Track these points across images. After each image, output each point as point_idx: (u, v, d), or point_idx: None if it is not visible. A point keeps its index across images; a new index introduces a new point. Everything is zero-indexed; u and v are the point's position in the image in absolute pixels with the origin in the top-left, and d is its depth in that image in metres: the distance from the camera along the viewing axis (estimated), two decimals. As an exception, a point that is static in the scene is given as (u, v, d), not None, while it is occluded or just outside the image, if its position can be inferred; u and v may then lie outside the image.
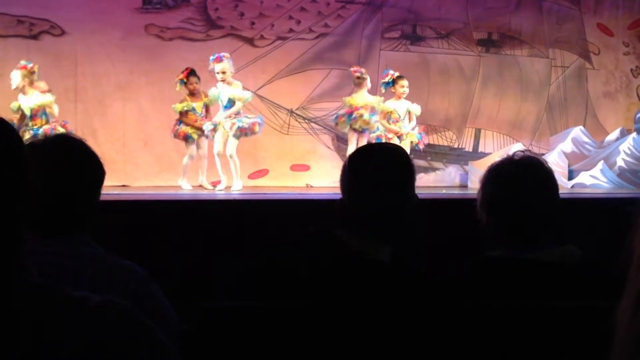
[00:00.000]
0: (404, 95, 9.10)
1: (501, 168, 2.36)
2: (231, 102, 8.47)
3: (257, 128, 8.45)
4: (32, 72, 8.40)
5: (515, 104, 11.39)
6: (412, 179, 2.33)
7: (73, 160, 2.11)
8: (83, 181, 2.12)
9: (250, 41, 10.65)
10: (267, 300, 2.13)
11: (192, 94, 8.90)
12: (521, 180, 2.31)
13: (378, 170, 2.26)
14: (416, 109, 9.13)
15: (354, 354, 2.02)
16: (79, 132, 9.37)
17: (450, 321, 2.06)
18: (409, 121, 9.11)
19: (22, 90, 8.34)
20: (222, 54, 8.62)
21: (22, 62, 8.44)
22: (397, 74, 9.20)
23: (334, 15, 10.96)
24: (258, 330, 2.05)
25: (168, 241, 4.91)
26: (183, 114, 8.83)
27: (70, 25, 9.98)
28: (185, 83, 8.88)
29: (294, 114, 10.40)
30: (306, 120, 10.57)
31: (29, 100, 8.30)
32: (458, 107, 11.19)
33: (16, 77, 8.34)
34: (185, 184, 8.71)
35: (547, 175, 2.34)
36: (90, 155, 2.15)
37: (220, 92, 8.50)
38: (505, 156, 2.44)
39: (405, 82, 9.11)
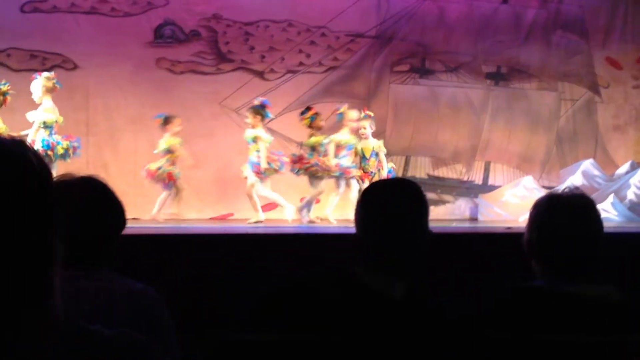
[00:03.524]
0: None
1: (550, 204, 2.39)
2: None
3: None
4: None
5: (525, 137, 11.40)
6: (426, 213, 2.34)
7: (97, 203, 2.20)
8: (106, 223, 2.21)
9: (260, 74, 10.72)
10: (281, 335, 2.13)
11: (319, 129, 9.04)
12: (571, 216, 2.34)
13: (392, 204, 2.27)
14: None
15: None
16: (91, 165, 9.46)
17: (470, 356, 2.06)
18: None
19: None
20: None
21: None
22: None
23: (343, 49, 11.03)
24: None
25: (179, 275, 4.91)
26: (313, 149, 9.00)
27: (82, 59, 10.07)
28: (315, 119, 8.97)
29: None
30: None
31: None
32: (467, 140, 11.21)
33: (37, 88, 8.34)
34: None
35: (594, 212, 2.38)
36: (113, 201, 2.24)
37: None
38: (552, 192, 2.48)
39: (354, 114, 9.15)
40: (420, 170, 10.56)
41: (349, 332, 2.12)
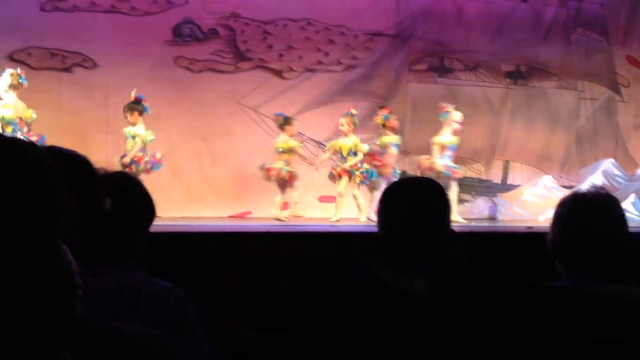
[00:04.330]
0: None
1: (574, 203, 2.37)
2: None
3: None
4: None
5: (544, 136, 11.34)
6: (447, 212, 2.34)
7: (128, 198, 2.19)
8: (135, 218, 2.20)
9: (278, 73, 10.72)
10: (302, 333, 2.13)
11: (393, 128, 9.07)
12: (595, 216, 2.32)
13: (414, 203, 2.26)
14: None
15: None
16: (110, 164, 9.47)
17: (492, 355, 2.04)
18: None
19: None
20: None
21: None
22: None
23: (361, 48, 11.01)
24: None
25: (198, 272, 4.93)
26: (386, 147, 9.06)
27: (101, 57, 10.10)
28: (388, 118, 8.99)
29: (322, 146, 10.42)
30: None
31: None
32: (486, 139, 11.16)
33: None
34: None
35: (619, 212, 2.37)
36: (143, 196, 2.24)
37: None
38: (576, 191, 2.46)
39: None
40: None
41: (371, 330, 2.11)
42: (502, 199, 10.47)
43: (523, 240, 5.77)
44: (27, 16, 9.89)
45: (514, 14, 11.38)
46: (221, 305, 4.68)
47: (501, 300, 2.31)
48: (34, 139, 8.07)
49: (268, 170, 8.94)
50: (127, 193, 2.23)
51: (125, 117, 8.82)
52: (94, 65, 10.13)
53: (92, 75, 10.06)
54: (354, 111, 9.22)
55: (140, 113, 8.83)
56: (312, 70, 10.77)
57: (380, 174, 8.98)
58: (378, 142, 9.25)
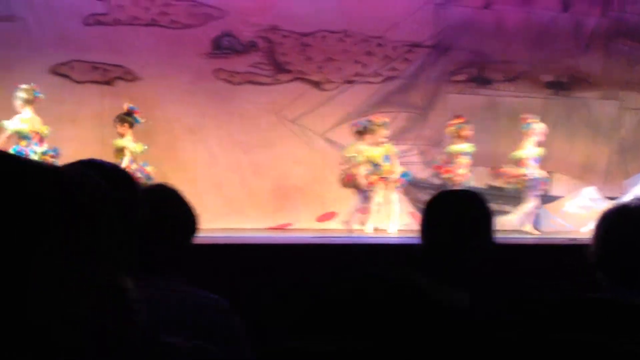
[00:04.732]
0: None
1: (618, 215, 2.35)
2: None
3: None
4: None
5: (586, 146, 11.22)
6: (490, 225, 2.32)
7: (171, 210, 2.20)
8: (178, 230, 2.21)
9: (317, 85, 10.74)
10: (340, 343, 2.13)
11: (466, 138, 9.14)
12: (638, 228, 2.29)
13: (457, 215, 2.25)
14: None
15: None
16: (150, 175, 9.55)
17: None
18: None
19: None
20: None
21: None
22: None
23: (400, 59, 10.99)
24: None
25: (239, 284, 4.94)
26: (455, 156, 9.11)
27: (142, 70, 10.21)
28: (461, 128, 9.09)
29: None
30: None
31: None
32: (527, 150, 11.06)
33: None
34: None
35: None
36: (185, 208, 2.25)
37: None
38: (620, 203, 2.44)
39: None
40: (479, 180, 10.43)
41: (409, 341, 2.10)
42: (544, 210, 10.36)
43: (565, 252, 5.70)
44: (69, 30, 10.04)
45: (555, 24, 11.29)
46: (263, 316, 4.68)
47: (545, 312, 2.28)
48: (45, 148, 8.42)
49: (348, 175, 8.97)
50: (169, 205, 2.24)
51: (115, 128, 8.83)
52: (135, 78, 10.24)
53: (132, 88, 10.17)
54: (385, 120, 9.22)
55: (131, 125, 8.84)
56: (350, 82, 10.78)
57: (453, 184, 8.96)
58: (447, 151, 9.24)
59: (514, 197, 10.03)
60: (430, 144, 10.67)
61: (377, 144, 9.03)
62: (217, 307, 2.22)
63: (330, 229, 9.69)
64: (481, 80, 11.23)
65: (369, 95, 10.80)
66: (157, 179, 9.43)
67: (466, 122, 9.25)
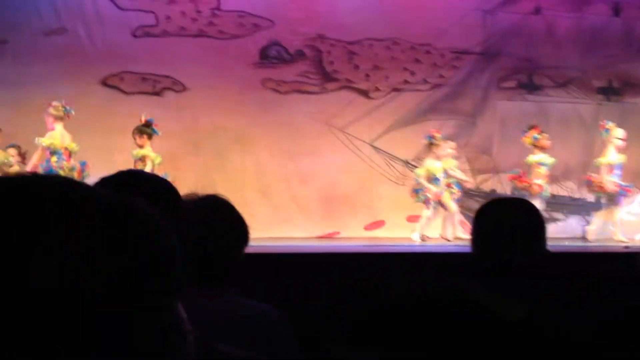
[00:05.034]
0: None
1: None
2: None
3: None
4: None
5: (639, 153, 11.01)
6: (543, 232, 2.28)
7: (222, 220, 2.22)
8: (229, 240, 2.21)
9: (365, 93, 10.72)
10: (391, 353, 2.09)
11: (544, 148, 9.12)
12: None
13: (510, 223, 2.21)
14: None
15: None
16: (199, 185, 9.65)
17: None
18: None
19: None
20: None
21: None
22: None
23: (448, 66, 10.92)
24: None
25: (289, 293, 4.93)
26: (533, 166, 9.11)
27: (190, 81, 10.29)
28: (538, 138, 9.08)
29: (410, 165, 10.35)
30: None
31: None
32: (578, 156, 10.90)
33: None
34: None
35: None
36: (236, 219, 2.27)
37: None
38: None
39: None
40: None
41: (463, 351, 2.05)
42: (598, 218, 10.18)
43: (619, 260, 5.59)
44: (119, 42, 10.17)
45: (606, 28, 11.12)
46: (313, 326, 4.66)
47: (602, 322, 2.22)
48: (72, 163, 8.65)
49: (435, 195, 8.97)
50: (221, 216, 2.24)
51: (134, 140, 8.92)
52: (184, 88, 10.33)
53: (181, 99, 10.26)
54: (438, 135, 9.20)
55: (150, 136, 8.93)
56: (398, 90, 10.74)
57: (530, 194, 8.88)
58: (526, 162, 9.19)
59: (567, 205, 9.90)
60: (479, 152, 10.57)
61: (441, 157, 9.03)
62: (269, 316, 2.22)
63: (379, 237, 9.66)
64: (531, 87, 11.10)
65: (417, 103, 10.74)
66: (206, 188, 9.49)
67: (541, 133, 9.15)
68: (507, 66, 11.04)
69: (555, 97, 11.09)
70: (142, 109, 10.03)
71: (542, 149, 9.12)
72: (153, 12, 10.33)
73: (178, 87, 10.36)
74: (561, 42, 11.07)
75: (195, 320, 1.37)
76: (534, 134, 9.16)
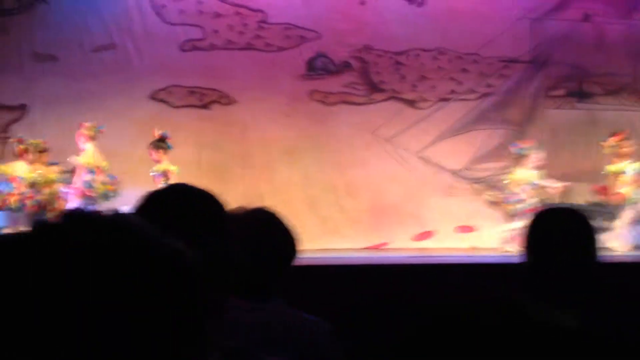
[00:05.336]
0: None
1: None
2: None
3: None
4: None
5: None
6: (594, 242, 2.23)
7: (272, 233, 2.25)
8: (277, 253, 2.22)
9: (411, 103, 10.68)
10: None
11: (625, 156, 9.09)
12: None
13: (561, 233, 2.17)
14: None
15: None
16: (247, 197, 9.69)
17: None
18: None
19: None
20: None
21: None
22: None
23: (496, 75, 10.84)
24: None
25: (336, 304, 4.91)
26: (615, 175, 9.09)
27: (238, 93, 10.36)
28: (618, 146, 9.10)
29: (458, 175, 10.28)
30: (471, 181, 10.42)
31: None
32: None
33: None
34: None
35: None
36: (285, 231, 2.30)
37: None
38: None
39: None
40: (579, 197, 10.16)
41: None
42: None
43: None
44: (167, 56, 10.28)
45: (657, 34, 10.94)
46: (362, 337, 4.64)
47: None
48: (101, 177, 8.87)
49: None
50: (270, 229, 2.25)
51: (150, 155, 9.04)
52: (231, 101, 10.39)
53: (229, 111, 10.33)
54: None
55: (165, 150, 9.04)
56: (445, 100, 10.68)
57: (615, 204, 8.81)
58: (605, 172, 9.13)
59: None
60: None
61: (530, 167, 9.02)
62: (318, 328, 2.22)
63: (427, 248, 9.60)
64: (580, 95, 10.96)
65: (465, 112, 10.67)
66: (254, 200, 9.53)
67: (624, 140, 9.03)
68: (556, 74, 10.92)
69: (606, 104, 10.93)
70: (190, 122, 10.15)
71: (625, 156, 8.97)
72: (200, 26, 10.43)
73: (225, 100, 10.43)
74: (611, 49, 10.91)
75: (243, 331, 1.37)
76: (616, 140, 9.02)
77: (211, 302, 0.94)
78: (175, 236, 0.91)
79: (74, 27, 10.19)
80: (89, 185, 8.75)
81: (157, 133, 9.10)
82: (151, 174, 8.87)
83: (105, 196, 8.83)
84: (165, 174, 8.90)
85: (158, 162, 9.00)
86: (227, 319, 1.18)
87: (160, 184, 8.67)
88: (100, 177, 8.88)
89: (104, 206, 8.21)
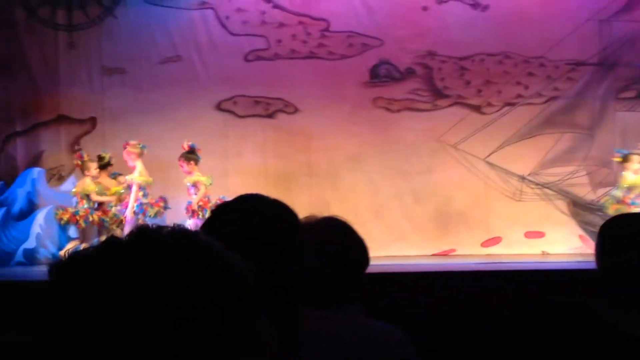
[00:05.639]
0: None
1: None
2: None
3: None
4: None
5: None
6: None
7: (343, 242, 2.25)
8: (349, 262, 2.25)
9: (477, 109, 10.57)
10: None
11: None
12: None
13: (635, 239, 2.12)
14: None
15: None
16: (313, 206, 9.72)
17: None
18: None
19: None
20: None
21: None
22: None
23: (563, 78, 10.66)
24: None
25: (405, 312, 4.88)
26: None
27: (302, 102, 10.41)
28: None
29: (526, 180, 10.14)
30: (539, 186, 10.27)
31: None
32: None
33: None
34: None
35: None
36: (355, 240, 2.30)
37: None
38: None
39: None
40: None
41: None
42: None
43: None
44: (232, 67, 10.39)
45: None
46: (432, 345, 4.60)
47: None
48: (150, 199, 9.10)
49: None
50: (342, 237, 2.25)
51: (181, 167, 9.12)
52: (295, 110, 10.45)
53: (293, 120, 10.38)
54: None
55: (196, 162, 9.11)
56: (511, 104, 10.54)
57: None
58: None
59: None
60: (599, 165, 10.26)
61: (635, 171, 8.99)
62: (392, 337, 2.21)
63: (496, 254, 9.49)
64: (652, 96, 10.72)
65: (532, 117, 10.52)
66: (319, 208, 9.55)
67: None
68: (625, 76, 10.69)
69: (680, 105, 10.67)
70: (256, 132, 10.23)
71: None
72: (264, 36, 10.52)
73: (290, 108, 10.49)
74: (685, 48, 10.66)
75: (318, 340, 1.37)
76: None
77: (267, 314, 0.95)
78: (251, 247, 0.94)
79: (141, 41, 10.38)
80: (141, 209, 8.96)
81: (186, 145, 9.20)
82: (187, 184, 9.03)
83: (157, 214, 9.02)
84: (195, 185, 9.00)
85: (189, 173, 9.10)
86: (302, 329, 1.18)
87: (192, 196, 8.84)
88: (150, 199, 9.10)
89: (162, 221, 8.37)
